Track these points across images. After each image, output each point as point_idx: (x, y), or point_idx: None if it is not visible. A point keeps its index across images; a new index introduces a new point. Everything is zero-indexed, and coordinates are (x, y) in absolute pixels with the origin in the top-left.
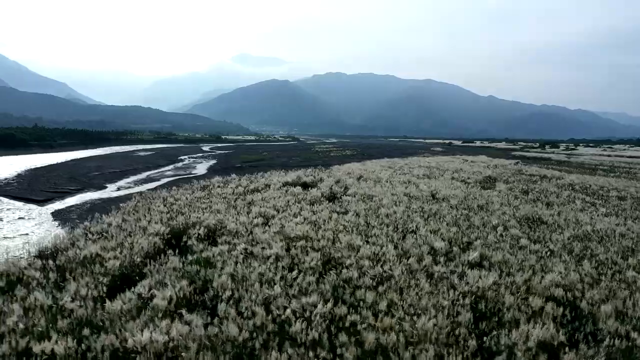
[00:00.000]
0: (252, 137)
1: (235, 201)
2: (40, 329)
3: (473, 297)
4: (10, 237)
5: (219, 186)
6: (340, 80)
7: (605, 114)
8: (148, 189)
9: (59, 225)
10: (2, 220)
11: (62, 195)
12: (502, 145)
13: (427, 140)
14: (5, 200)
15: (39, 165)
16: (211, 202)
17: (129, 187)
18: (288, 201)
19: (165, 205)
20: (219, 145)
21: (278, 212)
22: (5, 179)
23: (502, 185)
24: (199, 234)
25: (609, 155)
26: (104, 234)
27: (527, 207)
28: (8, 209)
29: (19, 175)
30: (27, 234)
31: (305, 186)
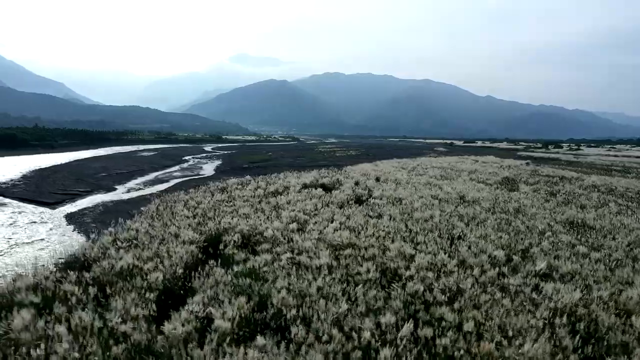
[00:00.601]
0: (253, 137)
1: (259, 204)
2: (97, 358)
3: (565, 315)
4: (27, 243)
5: (237, 188)
6: (339, 80)
7: (603, 114)
8: (159, 191)
9: (74, 229)
10: (14, 225)
11: (73, 197)
12: (504, 145)
13: (427, 141)
14: (14, 202)
15: (43, 166)
16: (235, 205)
17: (139, 189)
18: (316, 205)
19: (188, 209)
20: (220, 145)
21: (309, 216)
22: (11, 180)
23: (525, 187)
24: (234, 241)
25: (615, 156)
26: (134, 241)
27: (567, 211)
28: (19, 212)
29: (24, 177)
30: (42, 239)
31: (325, 188)
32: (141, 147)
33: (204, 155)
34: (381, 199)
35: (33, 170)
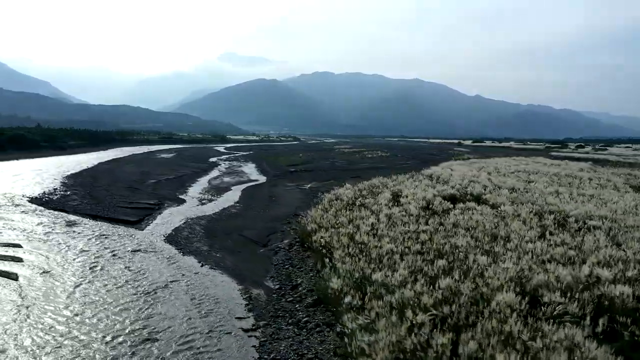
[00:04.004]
0: (255, 137)
1: (440, 225)
2: None
3: None
4: (164, 290)
5: (367, 203)
6: (329, 79)
7: (589, 113)
8: (235, 202)
9: (201, 263)
10: (117, 258)
11: (148, 212)
12: (516, 145)
13: (431, 140)
14: (85, 221)
15: (73, 171)
16: (410, 228)
17: (211, 199)
18: (542, 232)
19: (373, 236)
20: (229, 145)
21: (576, 251)
22: (55, 189)
23: None
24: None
25: None
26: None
27: None
28: (104, 235)
29: (65, 185)
30: (176, 281)
31: (490, 204)
32: (152, 147)
33: (226, 157)
34: (591, 219)
35: (67, 177)
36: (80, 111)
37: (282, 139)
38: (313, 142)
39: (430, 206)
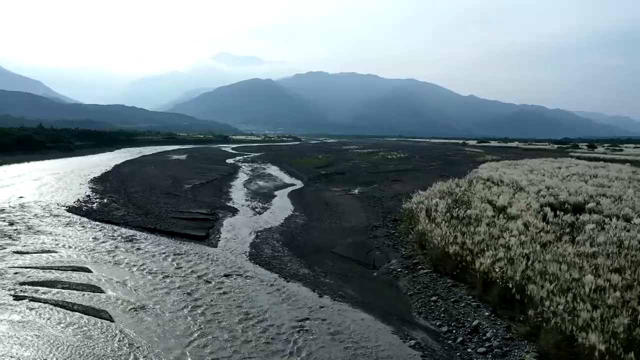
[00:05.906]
0: (257, 138)
1: (598, 246)
2: None
3: None
4: (309, 332)
5: (472, 214)
6: (323, 79)
7: (582, 114)
8: (291, 213)
9: (318, 293)
10: (211, 284)
11: (208, 224)
12: (521, 145)
13: (432, 140)
14: (142, 235)
15: (95, 175)
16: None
17: (264, 207)
18: None
19: (537, 262)
20: (234, 146)
21: None
22: (89, 196)
23: None
24: None
25: None
26: None
27: None
28: (177, 254)
29: (96, 191)
30: (306, 320)
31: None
32: (157, 148)
33: (241, 158)
34: None
35: (92, 181)
36: (75, 111)
37: (283, 139)
38: (315, 142)
39: (547, 219)
